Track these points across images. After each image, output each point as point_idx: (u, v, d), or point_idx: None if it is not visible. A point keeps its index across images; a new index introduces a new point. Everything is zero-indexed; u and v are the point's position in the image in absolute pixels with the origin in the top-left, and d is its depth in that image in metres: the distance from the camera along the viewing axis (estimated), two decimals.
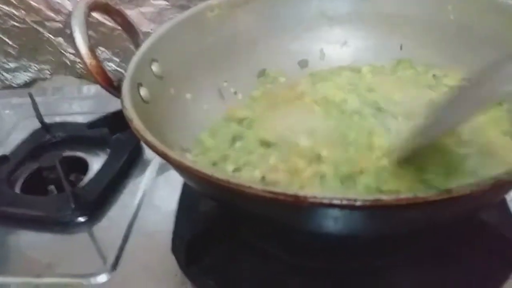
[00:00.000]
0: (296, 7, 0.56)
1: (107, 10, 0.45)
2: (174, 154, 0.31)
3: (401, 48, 0.55)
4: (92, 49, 0.40)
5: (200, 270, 0.41)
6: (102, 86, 0.41)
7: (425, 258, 0.39)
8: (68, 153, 0.58)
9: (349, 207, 0.25)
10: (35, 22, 0.79)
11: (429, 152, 0.33)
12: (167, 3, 0.74)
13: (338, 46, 0.57)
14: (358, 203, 0.25)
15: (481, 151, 0.35)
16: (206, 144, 0.46)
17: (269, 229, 0.40)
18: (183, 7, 0.73)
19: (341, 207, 0.26)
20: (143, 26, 0.74)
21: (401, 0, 0.53)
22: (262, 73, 0.55)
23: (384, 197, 0.25)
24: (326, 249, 0.40)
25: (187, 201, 0.47)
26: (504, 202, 0.44)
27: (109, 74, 0.41)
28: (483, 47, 0.47)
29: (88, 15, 0.42)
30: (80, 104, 0.75)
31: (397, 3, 0.53)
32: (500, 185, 0.25)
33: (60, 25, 0.80)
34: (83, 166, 0.57)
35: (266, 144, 0.42)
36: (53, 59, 0.84)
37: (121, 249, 0.47)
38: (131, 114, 0.36)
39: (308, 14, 0.56)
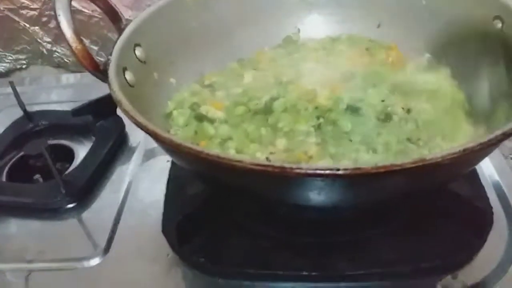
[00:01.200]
0: None
1: None
2: (164, 133, 0.32)
3: (378, 26, 0.57)
4: (77, 33, 0.40)
5: (191, 250, 0.42)
6: (89, 71, 0.42)
7: (403, 230, 0.42)
8: (52, 141, 0.58)
9: (332, 176, 0.27)
10: (9, 10, 0.78)
11: None
12: None
13: (316, 30, 0.58)
14: (340, 172, 0.27)
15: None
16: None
17: (257, 207, 0.42)
18: None
19: (325, 176, 0.27)
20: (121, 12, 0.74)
21: None
22: (242, 60, 0.56)
23: (364, 166, 0.27)
24: (312, 223, 0.42)
25: (175, 184, 0.48)
26: (476, 176, 0.47)
27: (95, 59, 0.42)
28: (451, 29, 0.49)
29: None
30: (59, 94, 0.74)
31: None
32: (468, 154, 0.27)
33: (35, 13, 0.79)
34: (68, 154, 0.57)
35: None
36: (29, 48, 0.83)
37: (112, 232, 0.47)
38: (120, 96, 0.37)
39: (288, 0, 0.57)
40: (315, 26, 0.58)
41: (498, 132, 0.29)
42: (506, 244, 0.42)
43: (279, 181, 0.30)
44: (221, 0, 0.54)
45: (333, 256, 0.40)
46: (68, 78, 0.79)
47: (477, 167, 0.48)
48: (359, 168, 0.27)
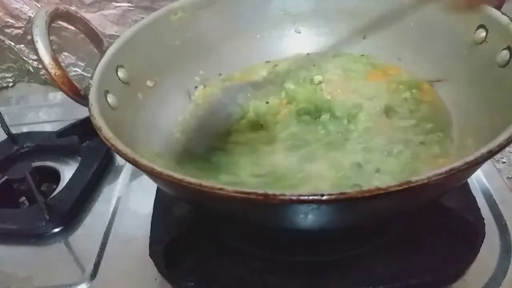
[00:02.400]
0: (259, 7, 0.56)
1: (68, 18, 0.44)
2: (144, 161, 0.31)
3: (364, 38, 0.56)
4: (55, 59, 0.40)
5: (179, 273, 0.42)
6: (69, 96, 0.41)
7: (394, 247, 0.41)
8: (38, 163, 0.57)
9: (316, 202, 0.26)
10: None
11: None
12: (130, 4, 0.73)
13: (302, 43, 0.58)
14: (324, 198, 0.26)
15: None
16: None
17: (245, 229, 0.41)
18: (146, 9, 0.72)
19: (309, 202, 0.27)
20: (106, 28, 0.73)
21: None
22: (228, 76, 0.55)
23: (349, 191, 0.26)
24: (301, 243, 0.42)
25: (162, 206, 0.48)
26: (467, 189, 0.47)
27: (75, 83, 0.41)
28: (437, 40, 0.49)
29: (50, 24, 0.41)
30: (47, 112, 0.74)
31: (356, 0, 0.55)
32: (455, 173, 0.27)
33: (20, 31, 0.78)
34: (54, 176, 0.57)
35: None
36: (15, 66, 0.82)
37: (99, 257, 0.47)
38: (100, 122, 0.36)
39: (272, 13, 0.57)
40: (299, 39, 0.58)
41: (484, 150, 0.29)
42: (499, 256, 0.42)
43: (264, 208, 0.30)
44: (205, 17, 0.54)
45: (324, 275, 0.40)
46: (55, 96, 0.78)
47: None
48: (343, 193, 0.27)
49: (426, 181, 0.26)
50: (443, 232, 0.42)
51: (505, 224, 0.44)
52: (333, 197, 0.26)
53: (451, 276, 0.40)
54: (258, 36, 0.56)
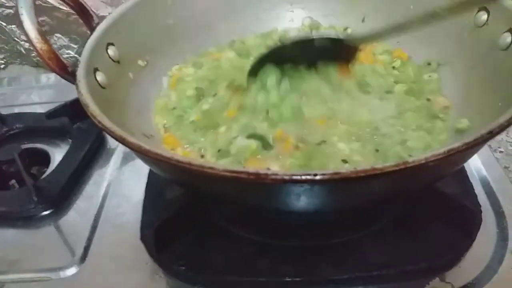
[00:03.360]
0: None
1: None
2: (132, 139, 0.30)
3: (363, 21, 0.55)
4: (42, 33, 0.38)
5: (170, 257, 0.41)
6: (56, 72, 0.40)
7: (389, 232, 0.40)
8: (27, 145, 0.56)
9: (310, 182, 0.25)
10: None
11: None
12: None
13: (299, 25, 0.56)
14: (317, 177, 0.25)
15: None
16: None
17: (237, 211, 0.40)
18: None
19: (302, 182, 0.26)
20: (100, 9, 0.71)
21: None
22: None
23: (343, 170, 0.25)
24: (296, 227, 0.41)
25: (154, 189, 0.47)
26: (464, 176, 0.46)
27: (63, 60, 0.39)
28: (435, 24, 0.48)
29: None
30: (39, 94, 0.72)
31: None
32: (452, 155, 0.26)
33: (11, 11, 0.76)
34: (45, 158, 0.55)
35: None
36: (6, 48, 0.80)
37: (89, 240, 0.46)
38: (87, 99, 0.35)
39: None
40: (298, 20, 0.57)
41: (484, 131, 0.28)
42: (495, 243, 0.41)
43: (255, 187, 0.29)
44: None
45: (317, 260, 0.39)
46: (48, 77, 0.76)
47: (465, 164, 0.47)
48: (337, 173, 0.25)
49: (423, 161, 0.25)
50: (440, 219, 0.41)
51: (502, 212, 0.44)
52: (326, 177, 0.25)
53: (446, 263, 0.39)
54: (254, 17, 0.55)
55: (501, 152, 0.60)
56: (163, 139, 0.44)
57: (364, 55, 0.51)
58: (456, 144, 0.26)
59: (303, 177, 0.26)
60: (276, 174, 0.26)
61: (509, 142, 0.62)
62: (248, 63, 0.45)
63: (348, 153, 0.40)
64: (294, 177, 0.26)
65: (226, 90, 0.47)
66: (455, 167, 0.34)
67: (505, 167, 0.58)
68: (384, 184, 0.28)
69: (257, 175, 0.26)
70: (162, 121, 0.47)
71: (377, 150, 0.40)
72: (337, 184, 0.26)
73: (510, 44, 0.40)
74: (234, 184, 0.28)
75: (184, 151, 0.43)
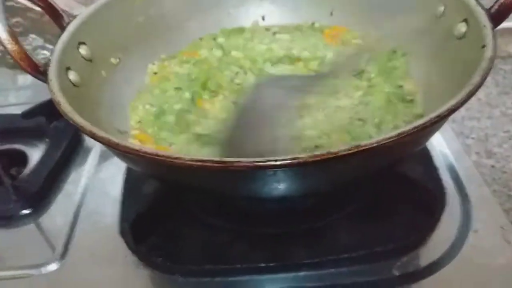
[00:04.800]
0: None
1: None
2: (102, 133, 0.31)
3: (331, 14, 0.57)
4: (12, 35, 0.39)
5: (149, 249, 0.42)
6: (28, 72, 0.40)
7: (358, 216, 0.42)
8: (4, 146, 0.56)
9: (271, 167, 0.27)
10: None
11: None
12: None
13: (268, 20, 0.58)
14: (278, 163, 0.27)
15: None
16: None
17: (209, 201, 0.42)
18: None
19: (264, 167, 0.27)
20: (74, 9, 0.71)
21: None
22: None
23: (301, 155, 0.27)
24: (268, 214, 0.42)
25: (131, 185, 0.48)
26: (429, 158, 0.48)
27: (34, 60, 0.40)
28: (399, 14, 0.50)
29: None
30: (16, 95, 0.72)
31: None
32: (404, 137, 0.28)
33: None
34: (22, 158, 0.55)
35: None
36: None
37: (69, 237, 0.46)
38: (58, 97, 0.36)
39: None
40: (268, 15, 0.58)
41: (433, 115, 0.29)
42: (460, 224, 0.43)
43: (221, 175, 0.30)
44: None
45: (290, 245, 0.41)
46: (25, 79, 0.76)
47: (431, 148, 0.49)
48: (295, 158, 0.27)
49: (375, 144, 0.27)
50: (406, 202, 0.43)
51: (466, 194, 0.45)
52: (286, 162, 0.27)
53: (412, 243, 0.41)
54: (224, 14, 0.56)
55: (473, 138, 0.63)
56: (134, 136, 0.45)
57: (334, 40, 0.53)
58: (407, 127, 0.28)
59: (265, 163, 0.27)
60: (239, 162, 0.27)
61: (480, 128, 0.64)
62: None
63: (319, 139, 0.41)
64: (257, 164, 0.27)
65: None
66: (411, 149, 0.36)
67: (476, 152, 0.61)
68: (342, 167, 0.30)
69: (223, 162, 0.28)
70: (135, 118, 0.47)
71: (349, 133, 0.42)
72: (297, 169, 0.28)
73: (464, 34, 0.42)
74: (201, 172, 0.29)
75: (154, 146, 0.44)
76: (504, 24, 0.70)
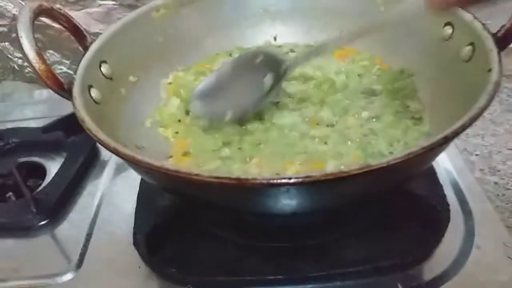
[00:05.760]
0: (239, 5, 0.58)
1: (52, 14, 0.46)
2: (126, 150, 0.33)
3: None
4: (40, 54, 0.41)
5: (162, 260, 0.43)
6: (53, 90, 0.42)
7: (364, 231, 0.44)
8: (24, 159, 0.58)
9: (285, 184, 0.29)
10: None
11: None
12: (114, 2, 0.75)
13: (281, 40, 0.60)
14: (292, 181, 0.28)
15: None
16: None
17: (223, 216, 0.43)
18: (131, 7, 0.74)
19: (278, 185, 0.29)
20: (91, 26, 0.74)
21: None
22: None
23: (315, 173, 0.28)
24: (278, 229, 0.44)
25: (146, 198, 0.49)
26: (434, 177, 0.49)
27: (59, 78, 0.42)
28: (408, 37, 0.52)
29: (34, 20, 0.43)
30: (33, 109, 0.74)
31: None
32: (413, 158, 0.29)
33: (5, 29, 0.79)
34: (41, 171, 0.58)
35: None
36: (0, 64, 0.83)
37: (85, 247, 0.48)
38: (83, 115, 0.38)
39: (252, 11, 0.59)
40: (280, 36, 0.60)
41: (440, 136, 0.31)
42: (463, 240, 0.44)
43: (239, 192, 0.32)
44: (186, 14, 0.56)
45: (298, 259, 0.42)
46: (41, 93, 0.78)
47: (435, 165, 0.51)
48: (309, 176, 0.29)
49: (385, 164, 0.29)
50: (411, 219, 0.44)
51: (470, 210, 0.47)
52: (300, 180, 0.28)
53: (417, 259, 0.42)
54: (239, 33, 0.58)
55: (477, 155, 0.64)
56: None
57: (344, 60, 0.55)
58: (415, 149, 0.30)
59: (279, 181, 0.29)
60: (255, 179, 0.29)
61: (484, 145, 0.66)
62: None
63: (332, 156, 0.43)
64: (271, 181, 0.29)
65: None
66: (419, 168, 0.38)
67: (481, 169, 0.62)
68: (353, 185, 0.31)
69: (239, 180, 0.29)
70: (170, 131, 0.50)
71: (363, 151, 0.44)
72: (309, 187, 0.30)
73: (471, 57, 0.44)
74: (219, 189, 0.31)
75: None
76: None
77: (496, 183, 0.58)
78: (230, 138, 0.47)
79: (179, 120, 0.51)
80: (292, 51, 0.59)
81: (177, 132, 0.50)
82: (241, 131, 0.47)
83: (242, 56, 0.52)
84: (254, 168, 0.42)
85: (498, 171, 0.59)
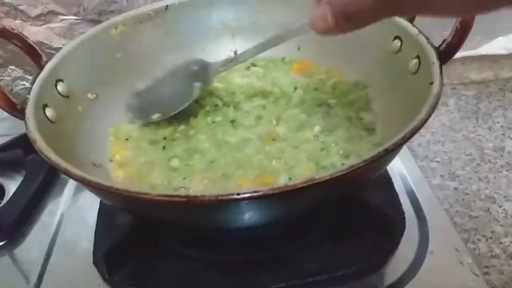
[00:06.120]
0: (199, 21, 0.59)
1: (4, 34, 0.45)
2: (75, 170, 0.33)
3: (298, 49, 0.60)
4: None
5: (121, 278, 0.43)
6: (6, 111, 0.42)
7: (321, 242, 0.44)
8: None
9: (233, 200, 0.29)
10: None
11: None
12: (76, 17, 0.74)
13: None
14: (240, 196, 0.29)
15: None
16: None
17: (180, 232, 0.43)
18: (93, 21, 0.73)
19: (226, 201, 0.29)
20: (53, 42, 0.73)
21: (292, 13, 0.58)
22: None
23: (262, 188, 0.29)
24: (237, 242, 0.44)
25: (105, 216, 0.49)
26: (389, 184, 0.51)
27: (11, 98, 0.42)
28: (361, 50, 0.53)
29: None
30: None
31: (288, 15, 0.58)
32: (355, 171, 0.30)
33: None
34: (0, 190, 0.56)
35: None
36: None
37: (43, 267, 0.47)
38: (34, 135, 0.38)
39: (211, 27, 0.60)
40: (240, 50, 0.61)
41: (380, 149, 0.32)
42: (417, 246, 0.46)
43: (188, 210, 0.32)
44: (146, 31, 0.56)
45: (258, 272, 0.42)
46: (2, 111, 0.77)
47: (391, 173, 0.52)
48: (256, 191, 0.29)
49: (328, 177, 0.30)
50: (367, 227, 0.46)
51: (424, 217, 0.49)
52: (247, 195, 0.29)
53: (373, 266, 0.43)
54: (199, 49, 0.59)
55: (437, 161, 0.66)
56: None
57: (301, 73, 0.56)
58: (357, 161, 0.31)
59: (227, 197, 0.29)
60: (204, 196, 0.30)
61: (444, 152, 0.68)
62: None
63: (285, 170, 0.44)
64: (220, 198, 0.30)
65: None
66: (365, 179, 0.39)
67: (441, 175, 0.64)
68: (301, 198, 0.32)
69: (188, 197, 0.30)
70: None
71: (316, 164, 0.45)
72: (258, 201, 0.30)
73: (418, 69, 0.45)
74: (170, 207, 0.31)
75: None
76: (466, 53, 0.76)
77: (455, 188, 0.59)
78: (179, 154, 0.48)
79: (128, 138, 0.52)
80: (253, 65, 0.60)
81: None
82: (190, 149, 0.49)
83: (180, 64, 0.56)
84: (203, 185, 0.43)
85: (458, 176, 0.61)
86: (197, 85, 0.52)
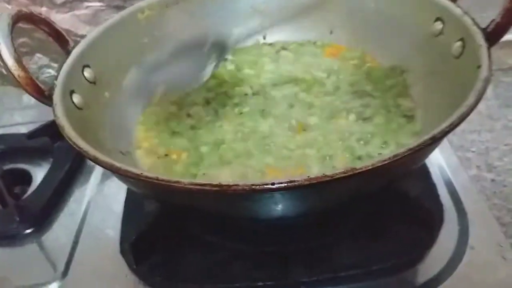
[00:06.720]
0: (227, 4, 0.57)
1: (32, 20, 0.44)
2: (104, 157, 0.32)
3: (331, 33, 0.58)
4: (19, 61, 0.40)
5: (149, 268, 0.42)
6: (34, 97, 0.41)
7: (356, 234, 0.42)
8: (9, 165, 0.57)
9: (268, 190, 0.28)
10: None
11: None
12: (101, 4, 0.73)
13: (271, 38, 0.59)
14: (275, 186, 0.27)
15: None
16: None
17: (210, 221, 0.42)
18: (118, 8, 0.72)
19: (261, 191, 0.28)
20: (78, 29, 0.73)
21: None
22: None
23: (298, 178, 0.27)
24: (268, 233, 0.43)
25: (133, 203, 0.48)
26: (427, 175, 0.48)
27: (39, 85, 0.41)
28: (398, 33, 0.51)
29: (13, 26, 0.42)
30: (21, 114, 0.73)
31: None
32: (399, 159, 0.28)
33: None
34: (27, 178, 0.57)
35: None
36: None
37: (71, 255, 0.47)
38: (63, 122, 0.37)
39: (240, 11, 0.58)
40: (269, 35, 0.59)
41: (427, 137, 0.30)
42: (457, 241, 0.43)
43: (219, 199, 0.31)
44: (172, 15, 0.55)
45: (289, 264, 0.41)
46: (29, 97, 0.77)
47: (429, 164, 0.50)
48: (292, 181, 0.28)
49: (370, 167, 0.28)
50: (404, 220, 0.43)
51: (464, 210, 0.46)
52: (283, 185, 0.27)
53: (410, 261, 0.41)
54: (226, 33, 0.57)
55: (473, 151, 0.63)
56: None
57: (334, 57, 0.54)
58: (401, 150, 0.29)
59: (261, 187, 0.28)
60: (237, 185, 0.28)
61: (481, 141, 0.65)
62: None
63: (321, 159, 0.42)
64: (253, 187, 0.28)
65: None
66: (407, 169, 0.37)
67: (477, 166, 0.61)
68: (338, 188, 0.30)
69: (220, 186, 0.28)
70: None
71: (351, 154, 0.43)
72: (293, 191, 0.29)
73: (461, 53, 0.42)
74: (200, 195, 0.30)
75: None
76: (505, 37, 0.72)
77: (493, 180, 0.57)
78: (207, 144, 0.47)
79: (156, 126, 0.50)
80: (284, 48, 0.58)
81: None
82: (217, 139, 0.47)
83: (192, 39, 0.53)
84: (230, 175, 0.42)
85: (495, 167, 0.59)
86: (211, 66, 0.50)
